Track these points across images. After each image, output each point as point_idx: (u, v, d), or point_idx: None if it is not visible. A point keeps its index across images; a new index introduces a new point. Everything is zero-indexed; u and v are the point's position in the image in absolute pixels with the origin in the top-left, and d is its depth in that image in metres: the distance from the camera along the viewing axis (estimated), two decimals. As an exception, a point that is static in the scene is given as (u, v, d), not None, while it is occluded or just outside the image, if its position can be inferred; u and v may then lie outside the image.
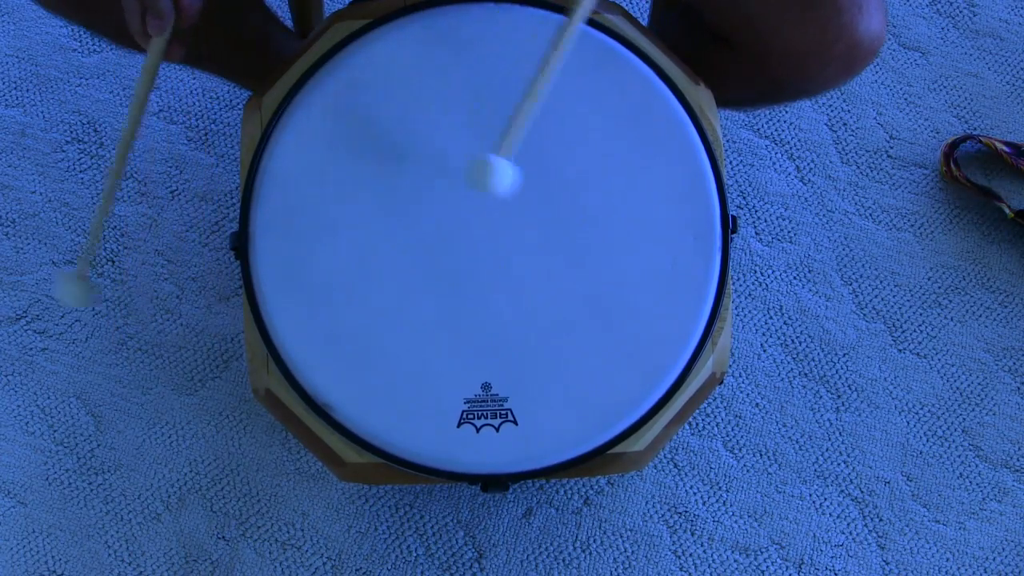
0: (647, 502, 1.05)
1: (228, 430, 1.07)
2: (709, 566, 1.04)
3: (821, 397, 1.09)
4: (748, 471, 1.06)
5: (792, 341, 1.11)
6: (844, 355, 1.10)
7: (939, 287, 1.13)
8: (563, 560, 1.03)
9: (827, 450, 1.07)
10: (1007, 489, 1.06)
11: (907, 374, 1.10)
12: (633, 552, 1.04)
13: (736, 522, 1.05)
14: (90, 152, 1.16)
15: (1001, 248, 1.14)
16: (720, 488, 1.06)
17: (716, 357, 0.79)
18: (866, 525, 1.05)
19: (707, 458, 1.07)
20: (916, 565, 1.04)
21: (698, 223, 0.78)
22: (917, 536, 1.05)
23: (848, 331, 1.11)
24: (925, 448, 1.07)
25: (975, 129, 1.18)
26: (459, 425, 0.76)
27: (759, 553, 1.04)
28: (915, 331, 1.11)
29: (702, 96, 0.80)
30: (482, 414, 0.76)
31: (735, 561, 1.04)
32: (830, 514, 1.05)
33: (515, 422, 0.76)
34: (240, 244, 0.77)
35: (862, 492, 1.06)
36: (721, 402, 1.08)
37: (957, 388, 1.09)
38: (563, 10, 0.79)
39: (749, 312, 1.11)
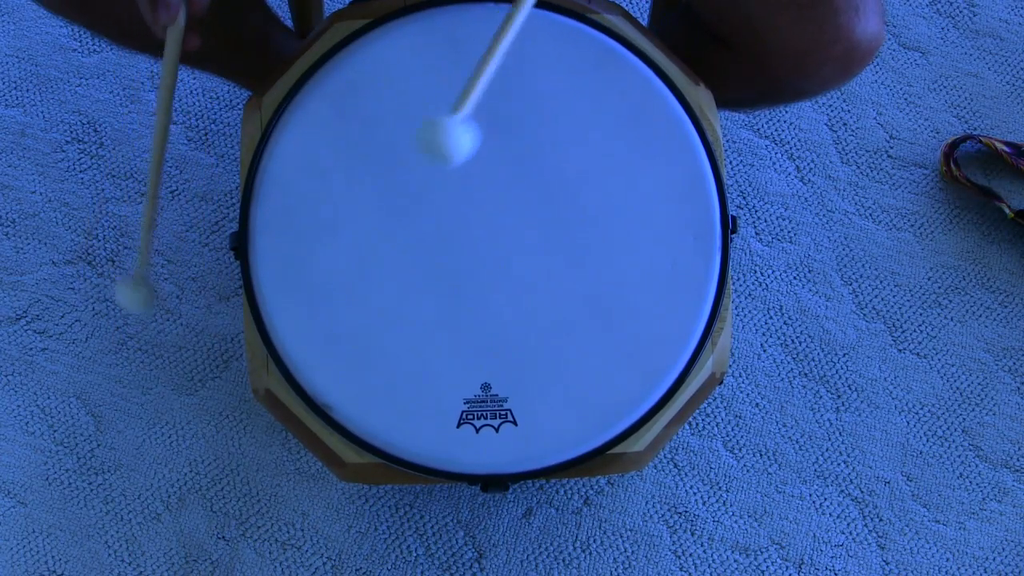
0: (647, 502, 1.05)
1: (228, 430, 1.07)
2: (709, 566, 1.04)
3: (821, 397, 1.09)
4: (748, 471, 1.06)
5: (792, 341, 1.11)
6: (844, 355, 1.10)
7: (939, 287, 1.13)
8: (563, 560, 1.03)
9: (827, 450, 1.07)
10: (1007, 489, 1.06)
11: (907, 374, 1.10)
12: (633, 552, 1.04)
13: (736, 522, 1.05)
14: (90, 152, 1.16)
15: (1001, 248, 1.14)
16: (720, 488, 1.06)
17: (716, 357, 0.79)
18: (866, 525, 1.05)
19: (707, 458, 1.07)
20: (916, 565, 1.04)
21: (698, 223, 0.78)
22: (917, 536, 1.05)
23: (848, 331, 1.11)
24: (925, 448, 1.07)
25: (975, 129, 1.18)
26: (459, 425, 0.76)
27: (759, 553, 1.04)
28: (915, 331, 1.11)
29: (702, 96, 0.80)
30: (482, 414, 0.76)
31: (735, 561, 1.04)
32: (830, 514, 1.05)
33: (515, 422, 0.76)
34: (240, 244, 0.77)
35: (862, 492, 1.06)
36: (721, 402, 1.08)
37: (957, 388, 1.09)
38: (564, 11, 0.79)
39: (749, 312, 1.11)
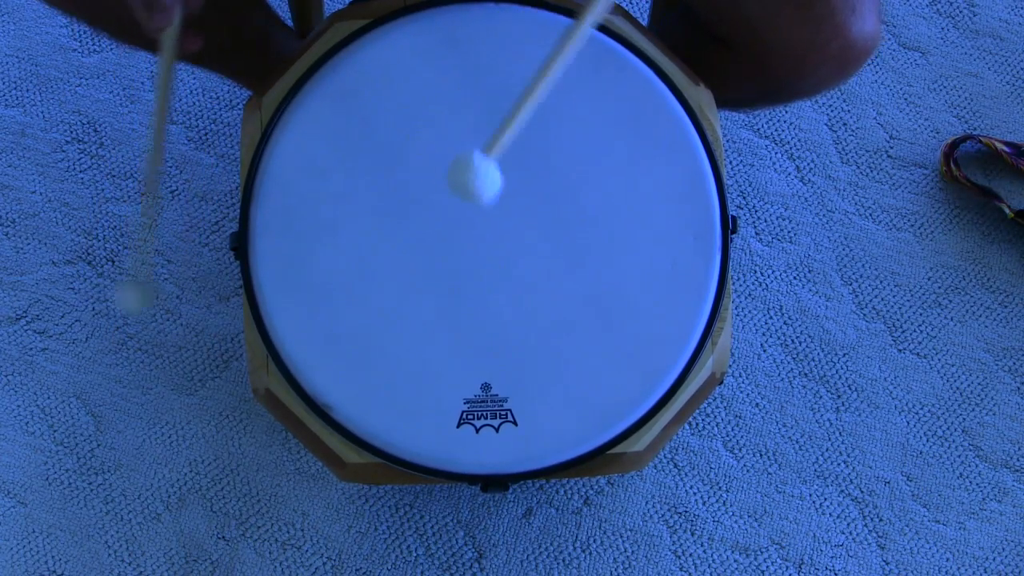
0: (647, 502, 1.05)
1: (228, 430, 1.07)
2: (709, 566, 1.04)
3: (821, 397, 1.09)
4: (748, 471, 1.06)
5: (792, 341, 1.11)
6: (844, 355, 1.10)
7: (939, 287, 1.13)
8: (563, 560, 1.03)
9: (827, 450, 1.07)
10: (1007, 489, 1.06)
11: (907, 374, 1.10)
12: (633, 552, 1.04)
13: (736, 522, 1.05)
14: (90, 152, 1.16)
15: (1001, 248, 1.14)
16: (720, 488, 1.06)
17: (716, 357, 0.79)
18: (866, 525, 1.05)
19: (707, 458, 1.07)
20: (916, 565, 1.04)
21: (698, 223, 0.78)
22: (917, 536, 1.05)
23: (848, 331, 1.11)
24: (925, 448, 1.07)
25: (975, 129, 1.18)
26: (459, 425, 0.76)
27: (759, 553, 1.04)
28: (915, 331, 1.11)
29: (702, 96, 0.80)
30: (482, 414, 0.76)
31: (735, 561, 1.04)
32: (830, 514, 1.05)
33: (515, 422, 0.76)
34: (240, 244, 0.77)
35: (862, 492, 1.06)
36: (721, 402, 1.08)
37: (957, 388, 1.09)
38: (562, 10, 0.79)
39: (749, 312, 1.11)
